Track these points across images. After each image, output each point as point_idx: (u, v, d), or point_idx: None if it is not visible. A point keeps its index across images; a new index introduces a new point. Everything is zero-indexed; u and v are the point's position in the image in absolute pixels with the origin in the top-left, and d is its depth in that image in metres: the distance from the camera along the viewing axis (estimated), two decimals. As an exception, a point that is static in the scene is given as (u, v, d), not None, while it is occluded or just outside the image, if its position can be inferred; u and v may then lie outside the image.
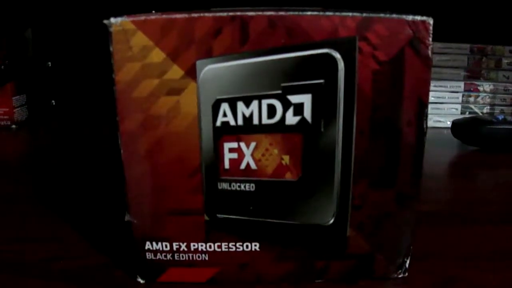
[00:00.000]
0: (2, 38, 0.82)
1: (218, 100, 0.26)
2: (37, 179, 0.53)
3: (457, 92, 0.75)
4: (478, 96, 0.76)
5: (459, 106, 0.75)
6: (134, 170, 0.27)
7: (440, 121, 0.75)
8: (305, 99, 0.26)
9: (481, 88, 0.76)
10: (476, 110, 0.76)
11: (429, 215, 0.41)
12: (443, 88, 0.74)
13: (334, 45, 0.25)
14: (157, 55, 0.26)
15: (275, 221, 0.28)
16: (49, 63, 0.94)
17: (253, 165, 0.27)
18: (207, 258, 0.29)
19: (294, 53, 0.25)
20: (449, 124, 0.69)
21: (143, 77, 0.26)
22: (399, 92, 0.26)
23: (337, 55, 0.25)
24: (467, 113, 0.76)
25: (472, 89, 0.76)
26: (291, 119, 0.26)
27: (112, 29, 0.26)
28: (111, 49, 0.26)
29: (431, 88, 0.75)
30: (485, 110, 0.78)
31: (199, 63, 0.26)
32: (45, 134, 0.81)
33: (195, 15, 0.25)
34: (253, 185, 0.27)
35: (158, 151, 0.27)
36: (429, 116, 0.73)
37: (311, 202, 0.28)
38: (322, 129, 0.26)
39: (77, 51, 0.94)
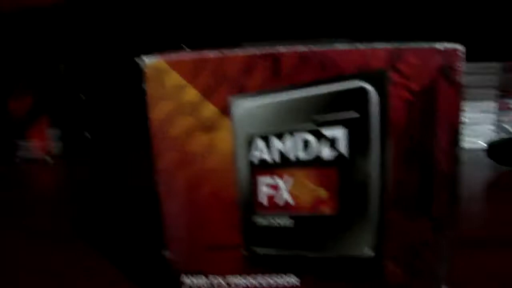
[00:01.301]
0: (36, 73, 0.84)
1: (252, 136, 0.27)
2: (73, 212, 0.54)
3: (490, 112, 0.74)
4: (512, 115, 0.75)
5: (492, 126, 0.74)
6: (172, 206, 0.28)
7: (474, 142, 0.74)
8: (339, 133, 0.26)
9: (514, 107, 0.75)
10: (511, 129, 0.75)
11: (466, 240, 0.40)
12: (475, 109, 0.73)
13: (366, 78, 0.25)
14: (191, 94, 0.26)
15: (313, 255, 0.28)
16: (83, 96, 0.95)
17: (290, 200, 0.27)
18: (245, 293, 0.29)
19: (327, 87, 0.25)
20: (483, 145, 0.68)
21: (178, 115, 0.27)
22: (432, 121, 0.26)
23: (369, 88, 0.25)
24: (502, 133, 0.75)
25: (505, 108, 0.75)
26: (326, 153, 0.26)
27: (145, 68, 0.26)
28: (144, 87, 0.27)
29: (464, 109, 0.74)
30: (520, 130, 0.76)
31: (232, 100, 0.26)
32: (81, 167, 0.82)
33: (227, 53, 0.26)
34: (291, 220, 0.27)
35: (195, 188, 0.27)
36: (463, 138, 0.73)
37: (349, 234, 0.27)
38: (357, 162, 0.26)
39: (109, 84, 0.96)
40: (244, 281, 0.29)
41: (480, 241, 0.41)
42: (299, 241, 0.28)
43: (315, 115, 0.26)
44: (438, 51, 0.25)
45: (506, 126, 0.75)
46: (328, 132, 0.26)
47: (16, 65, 0.87)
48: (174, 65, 0.26)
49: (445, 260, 0.28)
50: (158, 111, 0.27)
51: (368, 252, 0.27)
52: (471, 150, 0.74)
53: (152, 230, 0.30)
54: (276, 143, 0.26)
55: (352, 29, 0.74)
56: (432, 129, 0.26)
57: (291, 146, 0.26)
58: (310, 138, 0.26)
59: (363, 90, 0.25)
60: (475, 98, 0.74)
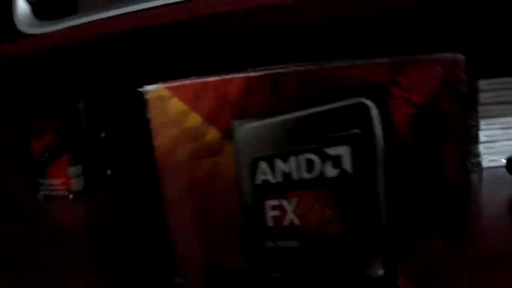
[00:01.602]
0: (55, 112, 0.86)
1: (256, 159, 0.26)
2: (94, 247, 0.54)
3: (509, 128, 0.72)
4: (532, 130, 0.73)
5: (513, 142, 0.73)
6: (180, 233, 0.28)
7: (495, 160, 0.72)
8: (343, 151, 0.26)
9: (534, 121, 0.73)
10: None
11: (489, 258, 0.39)
12: (494, 126, 0.72)
13: (366, 94, 0.25)
14: (194, 119, 0.26)
15: (323, 276, 0.27)
16: (103, 133, 0.97)
17: (296, 221, 0.27)
18: (257, 319, 0.28)
19: (327, 105, 0.25)
20: (504, 162, 0.66)
21: (182, 141, 0.27)
22: (438, 134, 0.25)
23: (370, 103, 0.25)
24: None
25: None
26: (331, 172, 0.26)
27: (148, 96, 0.27)
28: (148, 115, 0.27)
29: (482, 127, 0.73)
30: (542, 144, 0.74)
31: (234, 123, 0.26)
32: (102, 203, 0.83)
33: (226, 77, 0.26)
34: (298, 241, 0.27)
35: (202, 214, 0.27)
36: (483, 156, 0.71)
37: (358, 254, 0.27)
38: (362, 180, 0.26)
39: (129, 121, 0.97)
40: (256, 306, 0.28)
41: (505, 260, 0.40)
42: (307, 263, 0.27)
43: (317, 134, 0.26)
44: (438, 61, 0.25)
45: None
46: (331, 150, 0.26)
47: (36, 104, 0.89)
48: (175, 92, 0.26)
49: (464, 279, 0.28)
50: (163, 138, 0.27)
51: (379, 272, 0.27)
52: (492, 168, 0.72)
53: (166, 258, 0.30)
54: (280, 164, 0.26)
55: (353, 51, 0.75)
56: (439, 142, 0.26)
57: (295, 166, 0.26)
58: (314, 157, 0.26)
59: (364, 106, 0.25)
60: (493, 115, 0.73)
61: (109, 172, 0.97)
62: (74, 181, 0.86)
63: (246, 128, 0.26)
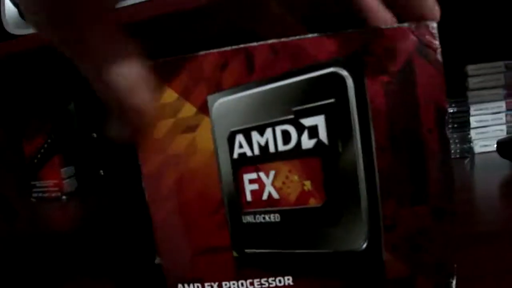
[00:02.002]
0: (46, 113, 0.86)
1: (232, 132, 0.26)
2: (87, 249, 0.53)
3: (499, 112, 0.72)
4: (522, 113, 0.73)
5: (504, 127, 0.72)
6: (159, 211, 0.28)
7: (486, 145, 0.72)
8: (319, 121, 0.26)
9: (523, 104, 0.73)
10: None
11: (482, 236, 0.39)
12: (484, 111, 0.72)
13: (339, 63, 0.25)
14: (170, 95, 0.26)
15: (305, 251, 0.27)
16: (94, 134, 0.97)
17: (275, 195, 0.27)
18: (240, 297, 0.28)
19: (301, 76, 0.25)
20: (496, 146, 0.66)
21: (159, 118, 0.27)
22: (414, 101, 0.25)
23: (344, 73, 0.25)
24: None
25: (513, 106, 0.73)
26: (307, 142, 0.26)
27: None
28: None
29: (472, 112, 0.73)
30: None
31: (210, 98, 0.26)
32: (95, 204, 0.82)
33: (200, 53, 0.26)
34: (278, 215, 0.27)
35: (180, 190, 0.27)
36: (475, 142, 0.71)
37: (340, 227, 0.27)
38: (340, 150, 0.26)
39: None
40: (238, 284, 0.28)
41: (496, 237, 0.39)
42: (288, 238, 0.27)
43: (292, 106, 0.26)
44: (410, 29, 0.25)
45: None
46: (306, 121, 0.26)
47: (27, 106, 0.89)
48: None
49: (450, 251, 0.27)
50: (140, 117, 0.27)
51: (362, 245, 0.27)
52: (485, 153, 0.72)
53: (147, 243, 0.30)
54: (256, 137, 0.26)
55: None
56: (415, 109, 0.25)
57: (271, 138, 0.26)
58: (290, 128, 0.26)
59: (337, 76, 0.25)
60: (483, 100, 0.73)
61: (102, 172, 0.97)
62: (66, 182, 0.86)
63: (222, 102, 0.26)
